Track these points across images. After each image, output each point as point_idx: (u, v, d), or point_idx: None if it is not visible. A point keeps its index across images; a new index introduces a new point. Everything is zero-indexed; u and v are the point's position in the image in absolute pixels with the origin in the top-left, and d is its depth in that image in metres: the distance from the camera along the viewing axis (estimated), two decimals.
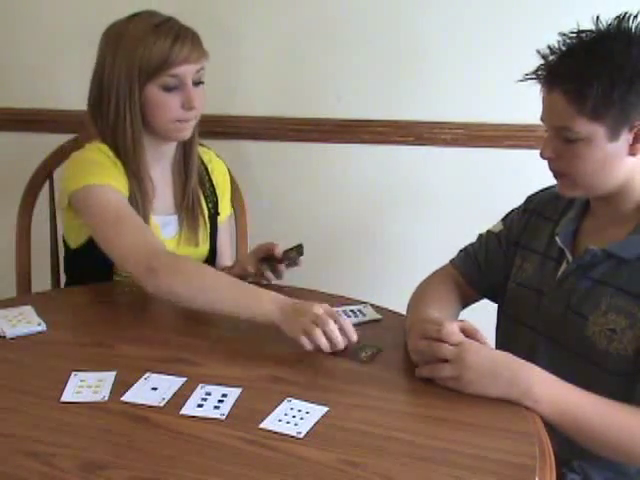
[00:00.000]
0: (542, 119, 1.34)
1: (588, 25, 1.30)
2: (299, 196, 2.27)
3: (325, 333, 1.29)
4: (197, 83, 1.63)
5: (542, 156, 1.34)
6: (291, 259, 1.62)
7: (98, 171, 1.60)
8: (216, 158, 1.85)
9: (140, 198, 1.63)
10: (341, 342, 1.31)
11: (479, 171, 2.16)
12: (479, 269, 1.55)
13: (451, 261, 1.59)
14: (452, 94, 2.12)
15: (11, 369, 1.30)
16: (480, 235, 1.58)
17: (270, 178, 2.25)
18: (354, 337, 1.32)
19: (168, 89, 1.59)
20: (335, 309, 1.49)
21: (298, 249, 1.60)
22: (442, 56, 2.10)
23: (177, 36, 1.58)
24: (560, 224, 1.44)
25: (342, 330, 1.31)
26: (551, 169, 1.36)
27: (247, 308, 1.37)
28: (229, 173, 1.88)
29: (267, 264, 1.63)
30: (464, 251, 1.59)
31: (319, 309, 1.31)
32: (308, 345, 1.30)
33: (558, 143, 1.31)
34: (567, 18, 1.79)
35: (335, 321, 1.31)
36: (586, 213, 1.42)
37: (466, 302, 1.54)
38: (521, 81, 1.32)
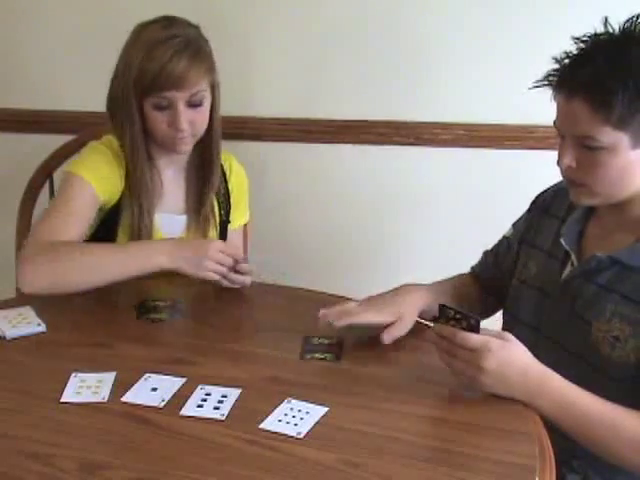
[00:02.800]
0: (557, 125, 1.29)
1: (588, 27, 1.27)
2: (299, 196, 2.27)
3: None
4: (194, 105, 1.60)
5: (560, 164, 1.29)
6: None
7: (91, 167, 1.63)
8: (237, 165, 1.83)
9: (141, 194, 1.64)
10: (247, 280, 1.52)
11: (479, 171, 2.16)
12: (488, 269, 1.60)
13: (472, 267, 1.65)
14: (452, 94, 2.12)
15: (11, 369, 1.30)
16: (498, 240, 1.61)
17: (272, 178, 2.25)
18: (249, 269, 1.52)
19: (159, 108, 1.59)
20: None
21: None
22: (442, 57, 2.10)
23: (170, 58, 1.53)
24: (566, 223, 1.41)
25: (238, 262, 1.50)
26: (567, 178, 1.31)
27: (136, 268, 1.48)
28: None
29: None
30: (483, 255, 1.63)
31: (216, 251, 1.47)
32: (217, 277, 1.49)
33: (577, 151, 1.26)
34: (566, 18, 1.79)
35: (232, 255, 1.49)
36: (591, 214, 1.39)
37: (484, 305, 1.56)
38: (533, 88, 1.27)
